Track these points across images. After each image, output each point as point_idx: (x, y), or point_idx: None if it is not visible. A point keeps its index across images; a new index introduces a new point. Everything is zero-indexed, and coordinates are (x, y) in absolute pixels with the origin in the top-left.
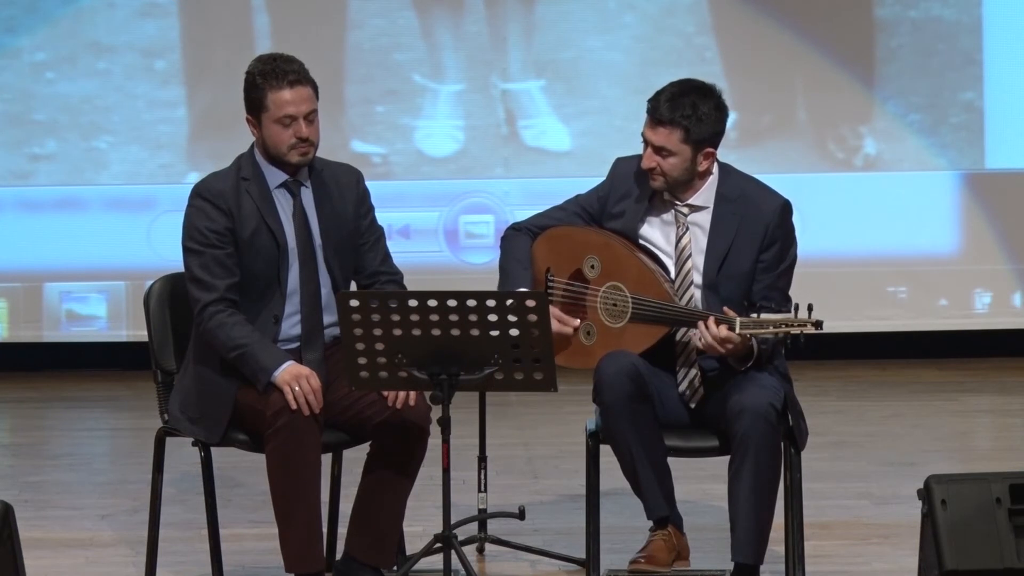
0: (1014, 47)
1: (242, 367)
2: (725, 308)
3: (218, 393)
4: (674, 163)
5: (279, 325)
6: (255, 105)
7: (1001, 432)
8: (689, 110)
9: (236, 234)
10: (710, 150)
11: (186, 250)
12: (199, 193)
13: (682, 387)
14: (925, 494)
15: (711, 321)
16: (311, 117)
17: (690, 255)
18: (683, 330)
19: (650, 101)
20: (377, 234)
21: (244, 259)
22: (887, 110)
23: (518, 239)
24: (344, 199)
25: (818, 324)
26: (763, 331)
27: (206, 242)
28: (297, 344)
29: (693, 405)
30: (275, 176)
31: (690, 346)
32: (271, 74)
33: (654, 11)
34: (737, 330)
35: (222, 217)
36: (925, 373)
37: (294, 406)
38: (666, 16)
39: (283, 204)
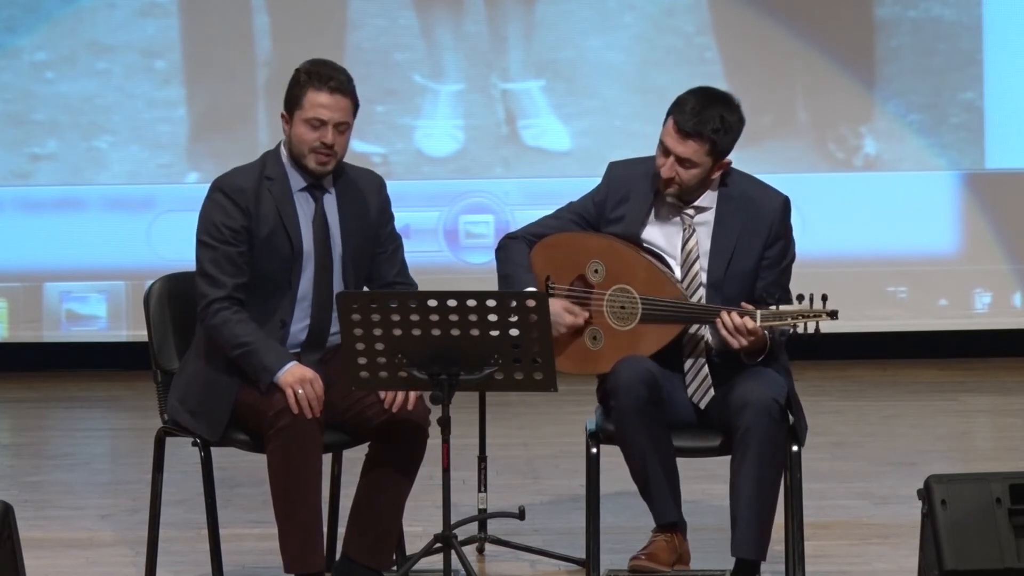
0: (1014, 47)
1: (244, 365)
2: (742, 303)
3: (220, 389)
4: (695, 174)
5: (286, 329)
6: (292, 101)
7: (1001, 432)
8: (718, 123)
9: (252, 233)
10: (726, 160)
11: (199, 243)
12: (220, 187)
13: (691, 389)
14: (925, 494)
15: (733, 313)
16: (341, 128)
17: (697, 257)
18: (693, 327)
19: (675, 111)
20: (396, 243)
21: (257, 259)
22: (887, 110)
23: (515, 246)
24: (367, 205)
25: (833, 314)
26: (781, 323)
27: (220, 238)
28: (299, 350)
29: (703, 405)
30: (298, 179)
31: (699, 345)
32: (316, 75)
33: (654, 11)
34: (759, 322)
35: (240, 214)
36: (925, 373)
37: (295, 410)
38: (666, 16)
39: (304, 208)
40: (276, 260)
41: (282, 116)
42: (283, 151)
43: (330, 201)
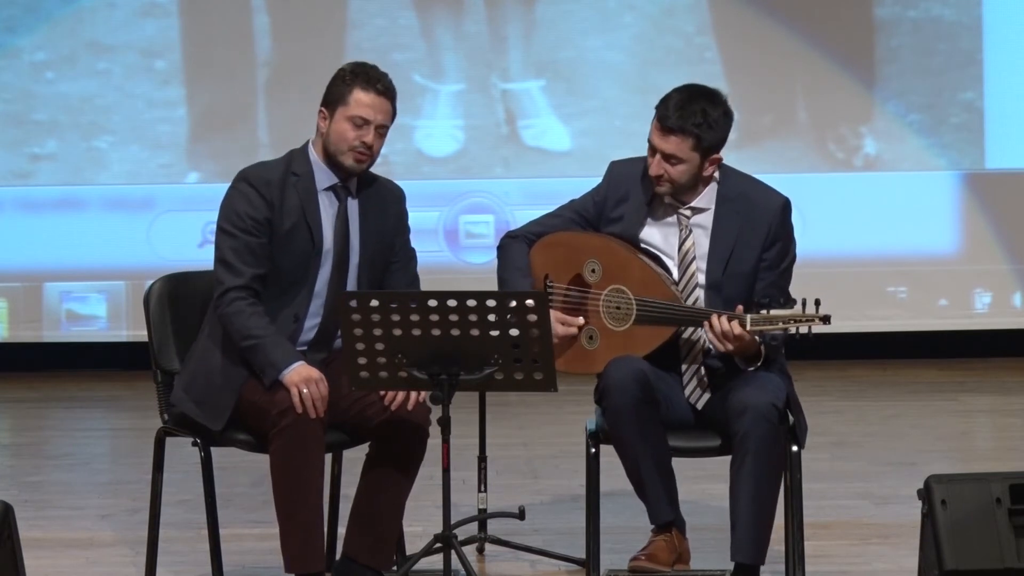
0: (1014, 47)
1: (252, 358)
2: (737, 307)
3: (226, 379)
4: (683, 170)
5: (299, 324)
6: (334, 97)
7: (1001, 432)
8: (700, 118)
9: (274, 226)
10: (717, 156)
11: (221, 231)
12: (246, 178)
13: (688, 389)
14: (925, 494)
15: (722, 318)
16: (381, 131)
17: (694, 258)
18: (689, 330)
19: (659, 108)
20: (409, 256)
21: (277, 254)
22: (887, 110)
23: (515, 247)
24: (387, 213)
25: (826, 319)
26: (772, 327)
27: (243, 227)
28: (306, 348)
29: (700, 406)
30: (325, 178)
31: (696, 347)
32: (363, 76)
33: (654, 11)
34: (748, 326)
35: (264, 206)
36: (925, 373)
37: (300, 409)
38: (666, 16)
39: (327, 207)
40: (295, 255)
41: (320, 112)
42: (311, 149)
43: (352, 203)
